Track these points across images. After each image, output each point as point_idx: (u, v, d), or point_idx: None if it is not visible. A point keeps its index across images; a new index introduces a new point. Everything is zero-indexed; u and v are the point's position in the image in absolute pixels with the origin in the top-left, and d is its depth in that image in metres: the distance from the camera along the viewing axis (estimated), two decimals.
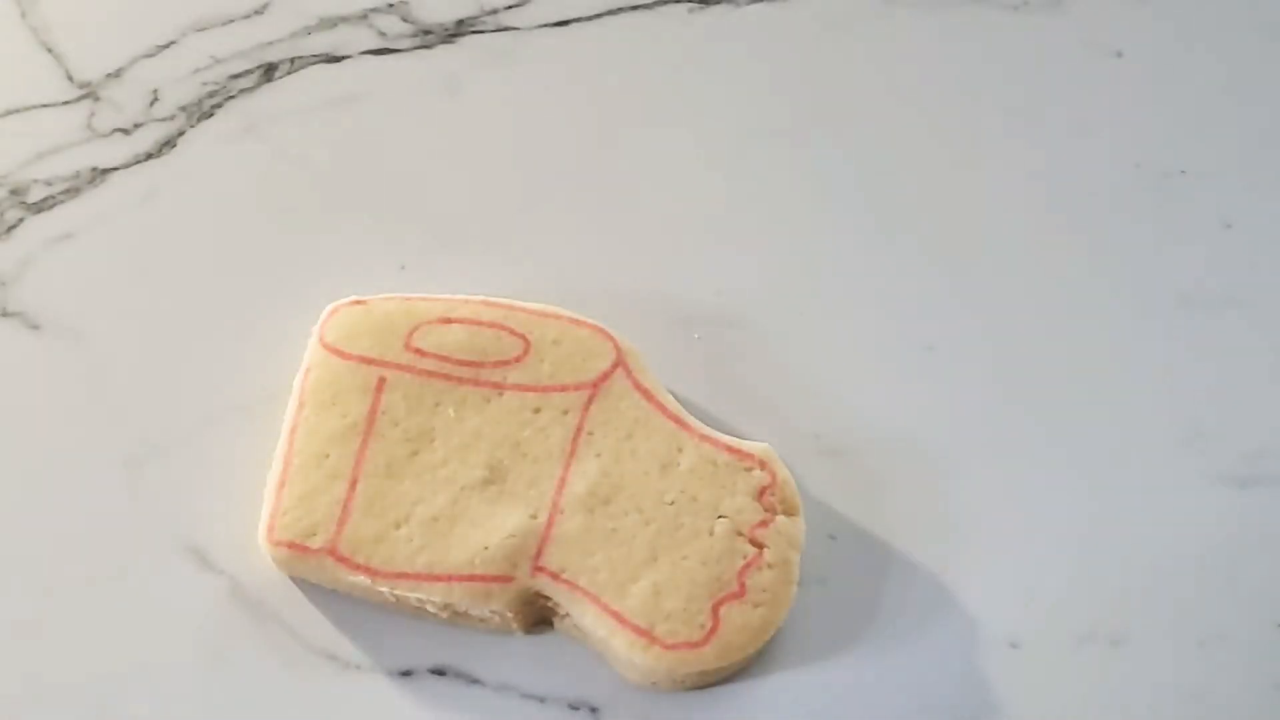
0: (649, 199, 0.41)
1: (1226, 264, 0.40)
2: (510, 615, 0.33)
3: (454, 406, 0.34)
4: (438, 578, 0.32)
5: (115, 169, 0.41)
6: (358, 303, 0.36)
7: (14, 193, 0.40)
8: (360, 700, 0.34)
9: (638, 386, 0.35)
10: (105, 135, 0.41)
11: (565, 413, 0.34)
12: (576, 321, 0.35)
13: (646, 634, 0.32)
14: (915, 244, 0.40)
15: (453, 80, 0.42)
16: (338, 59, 0.43)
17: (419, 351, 0.35)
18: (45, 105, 0.42)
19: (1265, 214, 0.41)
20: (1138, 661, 0.34)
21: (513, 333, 0.35)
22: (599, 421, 0.34)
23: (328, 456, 0.34)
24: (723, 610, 0.32)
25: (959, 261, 0.40)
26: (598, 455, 0.34)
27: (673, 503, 0.33)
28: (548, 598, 0.33)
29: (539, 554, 0.33)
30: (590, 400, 0.34)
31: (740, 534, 0.33)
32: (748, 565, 0.33)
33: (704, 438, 0.34)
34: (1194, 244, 0.40)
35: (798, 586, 0.33)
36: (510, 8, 0.44)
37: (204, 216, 0.40)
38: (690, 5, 0.44)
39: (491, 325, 0.35)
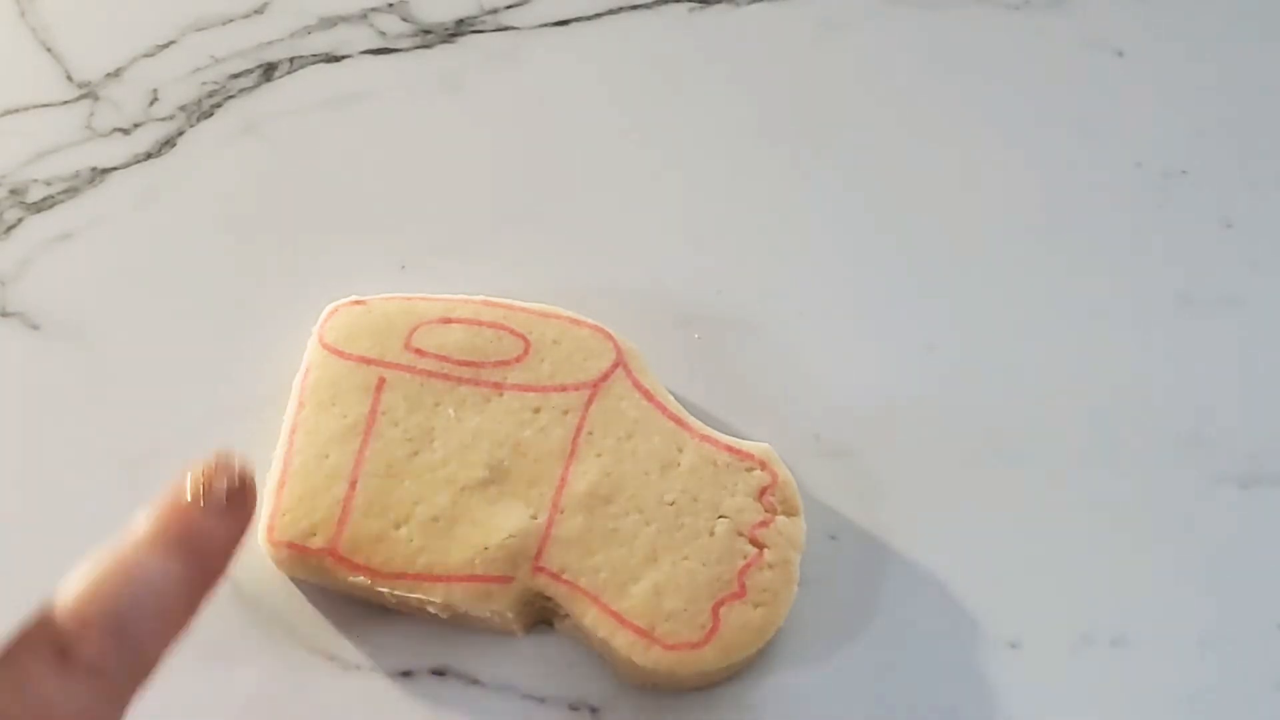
0: (649, 199, 0.41)
1: (1226, 264, 0.40)
2: (510, 615, 0.33)
3: (454, 406, 0.34)
4: (438, 578, 0.32)
5: (115, 169, 0.41)
6: (358, 303, 0.36)
7: (14, 193, 0.40)
8: (360, 700, 0.34)
9: (638, 386, 0.35)
10: (105, 135, 0.41)
11: (565, 413, 0.34)
12: (576, 321, 0.35)
13: (646, 634, 0.32)
14: (915, 244, 0.40)
15: (453, 80, 0.42)
16: (337, 59, 0.43)
17: (419, 351, 0.35)
18: (45, 105, 0.42)
19: (1265, 214, 0.41)
20: (1138, 661, 0.34)
21: (513, 333, 0.35)
22: (599, 421, 0.34)
23: (328, 457, 0.34)
24: (723, 610, 0.32)
25: (959, 261, 0.40)
26: (598, 455, 0.34)
27: (673, 503, 0.33)
28: (548, 598, 0.33)
29: (539, 554, 0.33)
30: (590, 400, 0.34)
31: (741, 534, 0.33)
32: (748, 565, 0.33)
33: (704, 438, 0.34)
34: (1194, 244, 0.40)
35: (798, 587, 0.33)
36: (510, 8, 0.44)
37: (204, 216, 0.40)
38: (690, 5, 0.44)
39: (491, 325, 0.35)
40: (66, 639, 0.22)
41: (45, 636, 0.22)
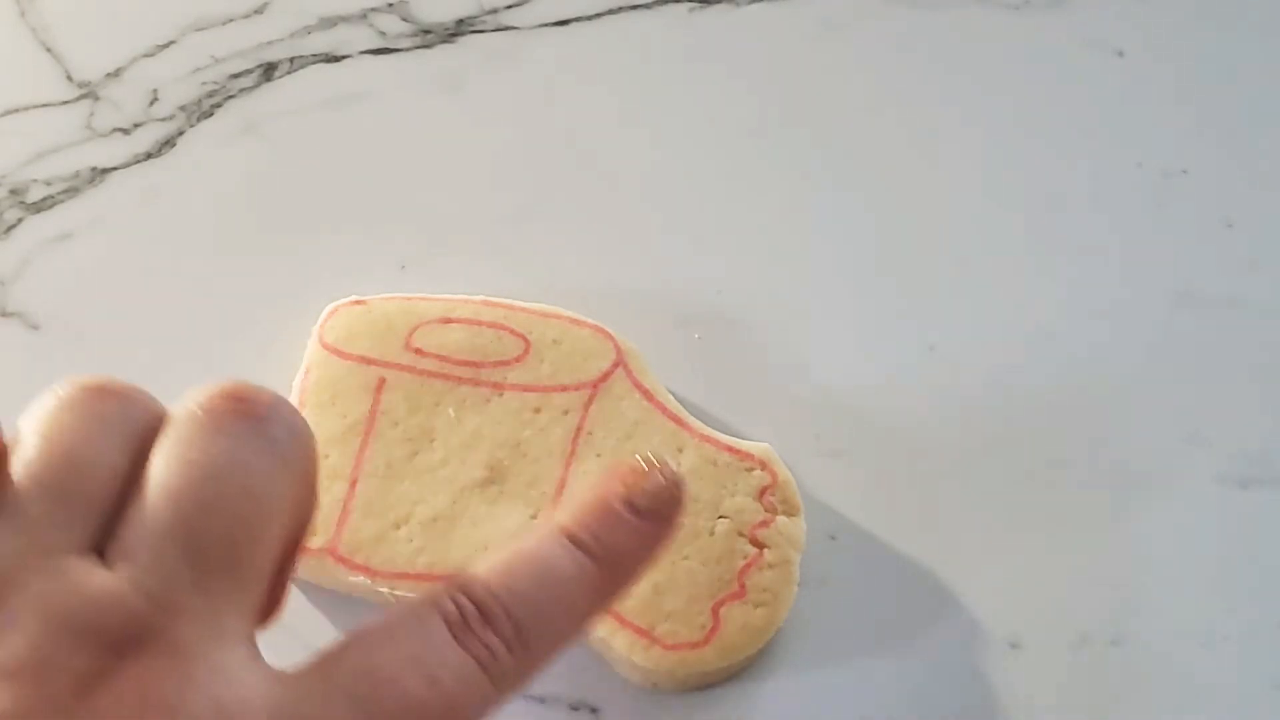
0: (649, 199, 0.41)
1: (1227, 264, 0.40)
2: None
3: (454, 406, 0.34)
4: (438, 578, 0.32)
5: (114, 169, 0.41)
6: (358, 303, 0.36)
7: (14, 193, 0.40)
8: None
9: (638, 386, 0.35)
10: (105, 135, 0.41)
11: (565, 413, 0.34)
12: (576, 321, 0.35)
13: (647, 634, 0.32)
14: (915, 243, 0.40)
15: (453, 80, 0.42)
16: (337, 59, 0.43)
17: (419, 351, 0.35)
18: (45, 105, 0.42)
19: (1266, 214, 0.41)
20: (1138, 661, 0.34)
21: (513, 333, 0.35)
22: (599, 421, 0.34)
23: (327, 457, 0.34)
24: (723, 610, 0.32)
25: (959, 261, 0.40)
26: (598, 455, 0.34)
27: None
28: None
29: None
30: (590, 400, 0.34)
31: (741, 534, 0.33)
32: (748, 565, 0.33)
33: (704, 438, 0.34)
34: (1194, 244, 0.40)
35: (798, 586, 0.33)
36: (510, 7, 0.44)
37: (203, 216, 0.40)
38: (690, 5, 0.44)
39: (491, 325, 0.35)
40: (469, 613, 0.22)
41: (450, 605, 0.22)
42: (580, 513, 0.24)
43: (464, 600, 0.22)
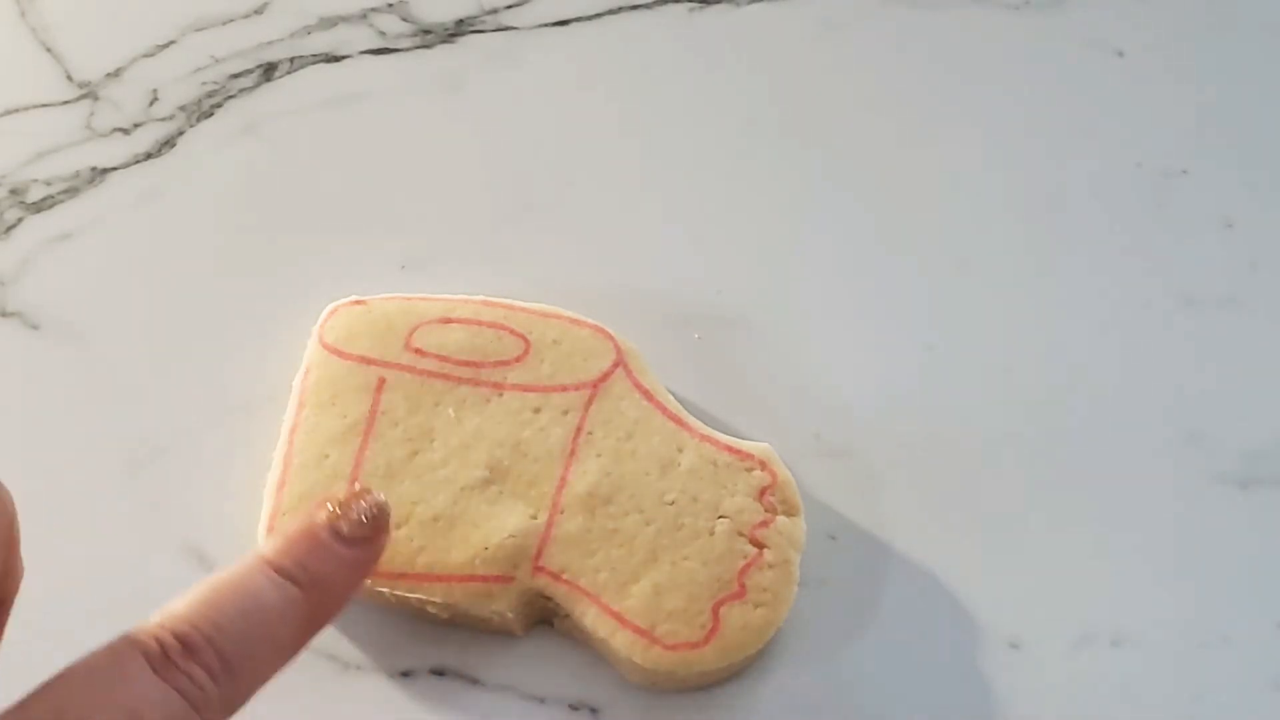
0: (649, 199, 0.41)
1: (1227, 264, 0.40)
2: (510, 615, 0.33)
3: (454, 406, 0.34)
4: (438, 578, 0.32)
5: (115, 169, 0.41)
6: (358, 303, 0.36)
7: (14, 193, 0.40)
8: (360, 700, 0.34)
9: (638, 386, 0.35)
10: (105, 135, 0.41)
11: (565, 413, 0.34)
12: (576, 321, 0.35)
13: (647, 634, 0.32)
14: (915, 243, 0.40)
15: (453, 80, 0.42)
16: (337, 59, 0.43)
17: (419, 351, 0.35)
18: (45, 105, 0.42)
19: (1266, 214, 0.41)
20: (1138, 661, 0.34)
21: (513, 333, 0.35)
22: (599, 421, 0.34)
23: (327, 457, 0.34)
24: (723, 610, 0.32)
25: (959, 261, 0.40)
26: (598, 455, 0.34)
27: (673, 503, 0.33)
28: (548, 598, 0.33)
29: (539, 554, 0.33)
30: (590, 400, 0.34)
31: (741, 534, 0.33)
32: (748, 565, 0.33)
33: (704, 438, 0.34)
34: (1194, 244, 0.40)
35: (798, 587, 0.33)
36: (510, 7, 0.44)
37: (204, 217, 0.40)
38: (690, 5, 0.44)
39: (491, 325, 0.35)
40: (171, 646, 0.22)
41: (151, 640, 0.22)
42: (285, 542, 0.24)
43: (165, 635, 0.22)
